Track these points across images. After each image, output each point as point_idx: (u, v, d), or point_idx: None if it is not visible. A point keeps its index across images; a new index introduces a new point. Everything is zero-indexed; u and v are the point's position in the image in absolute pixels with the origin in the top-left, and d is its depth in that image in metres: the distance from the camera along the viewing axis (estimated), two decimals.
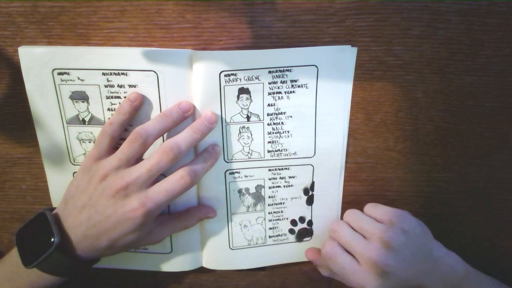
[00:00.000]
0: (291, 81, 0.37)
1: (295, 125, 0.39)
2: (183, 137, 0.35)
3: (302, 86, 0.38)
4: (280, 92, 0.38)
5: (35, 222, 0.35)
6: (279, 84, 0.37)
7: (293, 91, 0.38)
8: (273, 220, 0.43)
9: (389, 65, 0.38)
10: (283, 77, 0.37)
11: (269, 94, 0.38)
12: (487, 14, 0.35)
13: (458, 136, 0.41)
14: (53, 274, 0.35)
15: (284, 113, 0.39)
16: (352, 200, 0.44)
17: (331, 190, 0.42)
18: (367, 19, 0.35)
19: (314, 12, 0.35)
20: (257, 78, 0.37)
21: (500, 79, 0.38)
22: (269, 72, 0.37)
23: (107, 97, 0.37)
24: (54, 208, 0.37)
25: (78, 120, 0.38)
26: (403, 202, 0.44)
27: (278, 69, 0.37)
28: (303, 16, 0.35)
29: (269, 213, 0.43)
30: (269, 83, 0.37)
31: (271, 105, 0.38)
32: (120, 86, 0.36)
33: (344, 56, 0.37)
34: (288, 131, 0.39)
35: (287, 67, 0.37)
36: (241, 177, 0.41)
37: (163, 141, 0.38)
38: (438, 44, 0.37)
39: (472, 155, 0.42)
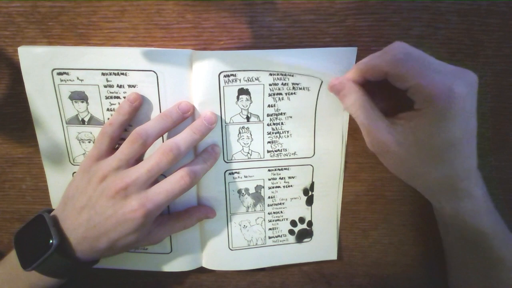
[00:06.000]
0: (293, 83, 0.37)
1: (295, 125, 0.39)
2: (183, 138, 0.35)
3: (304, 88, 0.38)
4: (280, 94, 0.38)
5: (34, 224, 0.35)
6: (280, 86, 0.37)
7: (294, 93, 0.38)
8: (273, 220, 0.43)
9: None
10: (284, 79, 0.37)
11: (270, 95, 0.38)
12: (487, 14, 0.35)
13: None
14: (52, 276, 0.35)
15: (284, 113, 0.39)
16: (352, 200, 0.44)
17: (331, 190, 0.42)
18: (367, 19, 0.35)
19: (314, 12, 0.35)
20: (257, 79, 0.37)
21: (500, 79, 0.38)
22: (270, 74, 0.37)
23: (107, 97, 0.37)
24: (53, 210, 0.37)
25: (78, 120, 0.38)
26: (403, 202, 0.44)
27: (279, 72, 0.37)
28: (303, 16, 0.35)
29: (268, 213, 0.43)
30: (270, 85, 0.37)
31: (271, 106, 0.38)
32: (120, 86, 0.36)
33: (344, 57, 0.36)
34: (287, 131, 0.39)
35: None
36: (241, 178, 0.41)
37: (163, 141, 0.38)
38: (438, 44, 0.37)
39: None
